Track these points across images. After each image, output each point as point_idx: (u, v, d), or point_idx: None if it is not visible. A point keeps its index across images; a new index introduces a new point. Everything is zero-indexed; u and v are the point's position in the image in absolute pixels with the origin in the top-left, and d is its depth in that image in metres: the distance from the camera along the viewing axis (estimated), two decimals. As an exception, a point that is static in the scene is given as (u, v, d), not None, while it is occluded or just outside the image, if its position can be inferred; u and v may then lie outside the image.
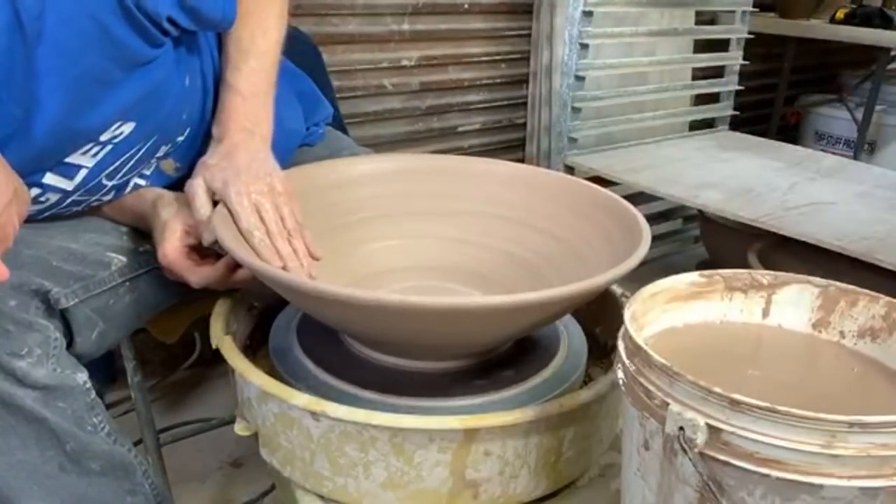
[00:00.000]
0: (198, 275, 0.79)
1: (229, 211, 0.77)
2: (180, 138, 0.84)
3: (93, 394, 0.76)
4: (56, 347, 0.72)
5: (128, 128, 0.75)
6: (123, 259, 0.83)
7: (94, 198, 0.81)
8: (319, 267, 0.83)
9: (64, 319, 0.76)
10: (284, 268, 0.77)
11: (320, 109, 1.09)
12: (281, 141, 0.90)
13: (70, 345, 0.76)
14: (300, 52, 1.16)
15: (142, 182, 0.85)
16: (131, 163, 0.80)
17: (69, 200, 0.79)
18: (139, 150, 0.79)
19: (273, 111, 0.85)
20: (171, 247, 0.79)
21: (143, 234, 0.86)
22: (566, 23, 1.81)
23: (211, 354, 0.82)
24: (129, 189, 0.84)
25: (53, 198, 0.77)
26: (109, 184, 0.80)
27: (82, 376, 0.75)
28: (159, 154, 0.84)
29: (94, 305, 0.78)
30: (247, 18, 0.83)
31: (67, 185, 0.76)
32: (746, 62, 2.22)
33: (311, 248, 0.81)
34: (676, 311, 0.63)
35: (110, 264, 0.81)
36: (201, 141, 0.87)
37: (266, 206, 0.78)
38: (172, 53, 0.76)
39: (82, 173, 0.76)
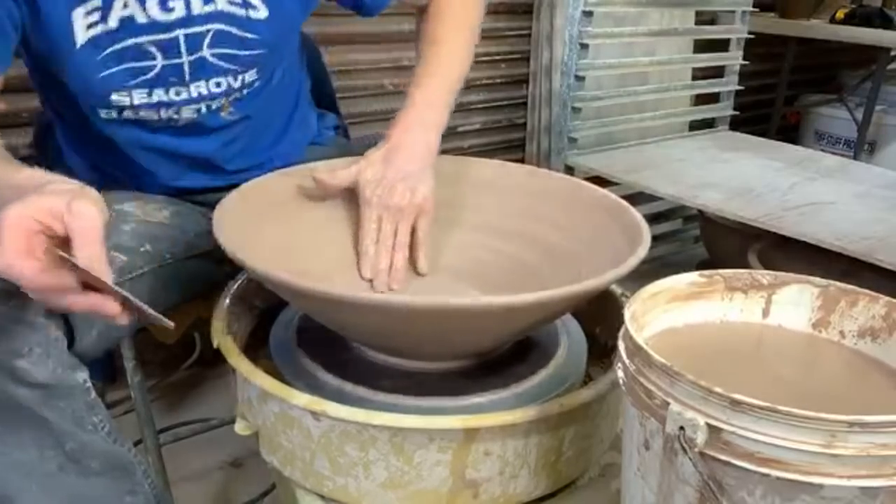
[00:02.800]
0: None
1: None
2: (246, 91, 0.91)
3: (93, 393, 0.76)
4: (56, 347, 0.72)
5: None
6: (124, 258, 0.82)
7: (172, 85, 0.85)
8: (323, 267, 0.83)
9: (65, 319, 0.76)
10: (372, 282, 0.87)
11: (328, 118, 1.15)
12: (297, 137, 1.04)
13: (70, 344, 0.76)
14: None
15: (200, 109, 0.89)
16: (219, 77, 0.87)
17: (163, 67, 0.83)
18: (231, 75, 0.87)
19: (445, 123, 0.91)
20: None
21: (143, 234, 0.86)
22: (566, 23, 1.81)
23: (211, 354, 0.82)
24: (191, 109, 0.88)
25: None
26: (188, 77, 0.85)
27: (82, 376, 0.75)
28: (232, 92, 0.90)
29: None
30: (438, 46, 0.95)
31: (167, 17, 0.81)
32: (746, 62, 2.22)
33: (419, 263, 0.88)
34: (676, 311, 0.63)
35: (112, 263, 0.81)
36: (257, 101, 0.94)
37: (386, 219, 0.86)
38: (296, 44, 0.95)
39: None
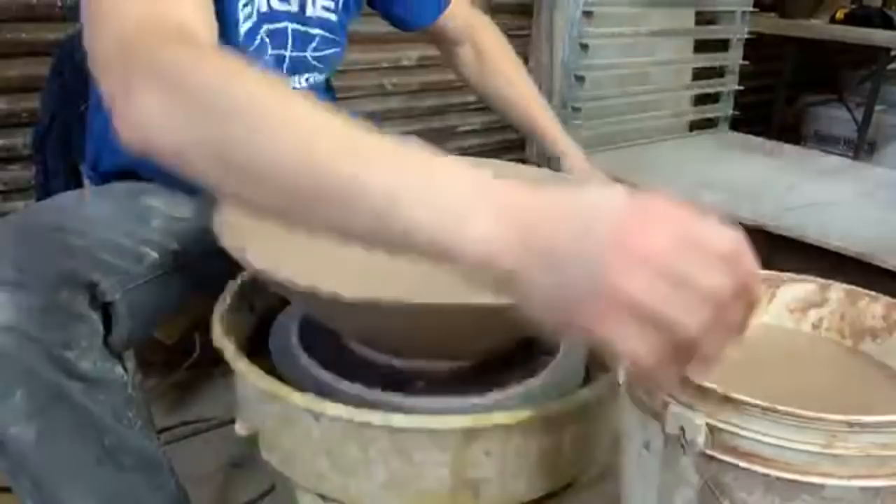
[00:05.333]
0: None
1: None
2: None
3: (129, 388, 0.76)
4: (98, 340, 0.73)
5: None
6: (155, 255, 0.82)
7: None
8: (323, 268, 0.83)
9: (105, 313, 0.76)
10: None
11: None
12: None
13: (104, 339, 0.76)
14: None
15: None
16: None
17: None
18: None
19: None
20: None
21: (171, 231, 0.86)
22: (566, 23, 1.81)
23: (211, 354, 0.82)
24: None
25: None
26: (285, 71, 0.90)
27: (120, 370, 0.75)
28: (314, 87, 0.96)
29: (130, 299, 0.78)
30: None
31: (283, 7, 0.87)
32: (746, 62, 2.22)
33: None
34: (676, 311, 0.63)
35: (144, 259, 0.80)
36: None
37: None
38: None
39: None
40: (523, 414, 0.66)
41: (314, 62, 0.95)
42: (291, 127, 0.46)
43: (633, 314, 0.38)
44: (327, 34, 0.94)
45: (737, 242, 0.40)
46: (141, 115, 0.48)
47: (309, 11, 0.90)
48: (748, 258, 0.40)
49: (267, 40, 0.87)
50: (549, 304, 0.40)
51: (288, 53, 0.90)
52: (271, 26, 0.87)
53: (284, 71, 0.91)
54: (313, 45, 0.93)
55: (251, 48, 0.85)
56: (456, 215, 0.41)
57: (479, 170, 0.44)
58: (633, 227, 0.39)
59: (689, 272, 0.38)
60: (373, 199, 0.43)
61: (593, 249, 0.39)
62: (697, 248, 0.39)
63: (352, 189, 0.43)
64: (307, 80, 0.96)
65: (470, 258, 0.41)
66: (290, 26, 0.89)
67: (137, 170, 0.91)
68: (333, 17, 0.94)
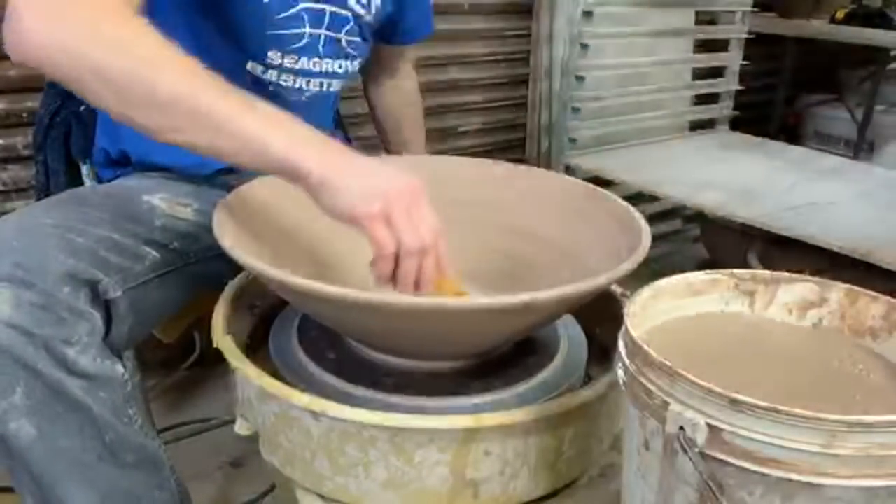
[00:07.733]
0: None
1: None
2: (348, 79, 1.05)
3: (129, 386, 0.77)
4: (98, 337, 0.73)
5: None
6: (157, 255, 0.82)
7: (314, 56, 0.95)
8: (322, 268, 0.83)
9: (105, 310, 0.76)
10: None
11: (338, 133, 1.23)
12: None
13: (104, 337, 0.76)
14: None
15: (323, 84, 1.00)
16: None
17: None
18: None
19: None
20: None
21: (173, 231, 0.86)
22: (566, 23, 1.81)
23: (211, 354, 0.82)
24: (318, 82, 0.99)
25: None
26: (322, 51, 0.96)
27: (120, 368, 0.75)
28: (346, 76, 1.02)
29: (131, 298, 0.78)
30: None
31: None
32: (746, 62, 2.22)
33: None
34: (677, 310, 0.63)
35: (145, 258, 0.81)
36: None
37: None
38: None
39: None
40: (523, 414, 0.66)
41: (348, 48, 0.99)
42: (169, 62, 0.64)
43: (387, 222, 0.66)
44: (357, 27, 0.99)
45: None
46: (28, 33, 0.63)
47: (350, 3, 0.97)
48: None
49: (305, 17, 0.91)
50: (343, 204, 0.66)
51: (323, 32, 0.94)
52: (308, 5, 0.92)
53: (321, 51, 0.95)
54: (347, 27, 0.97)
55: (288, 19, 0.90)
56: (302, 143, 0.66)
57: (304, 127, 0.68)
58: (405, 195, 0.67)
59: (417, 223, 0.67)
60: (241, 128, 0.65)
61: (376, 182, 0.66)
62: (424, 219, 0.68)
63: (222, 120, 0.64)
64: (340, 66, 0.99)
65: (307, 170, 0.65)
66: (329, 9, 0.94)
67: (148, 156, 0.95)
68: (368, 15, 0.99)
